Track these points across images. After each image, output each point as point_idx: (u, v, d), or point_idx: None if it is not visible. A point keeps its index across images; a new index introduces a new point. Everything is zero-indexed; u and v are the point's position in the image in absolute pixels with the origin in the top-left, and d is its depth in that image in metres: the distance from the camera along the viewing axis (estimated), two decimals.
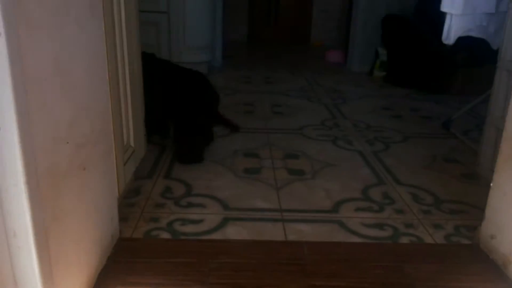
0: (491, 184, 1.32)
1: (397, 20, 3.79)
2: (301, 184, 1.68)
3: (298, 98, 3.01)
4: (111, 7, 1.24)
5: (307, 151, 2.03)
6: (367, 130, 2.37)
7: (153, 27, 3.41)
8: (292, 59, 4.74)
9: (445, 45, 3.75)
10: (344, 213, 1.48)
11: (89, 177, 1.01)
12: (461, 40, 3.56)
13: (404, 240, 1.34)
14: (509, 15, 1.70)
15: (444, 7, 1.83)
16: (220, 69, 3.94)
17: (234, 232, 1.33)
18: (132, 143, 1.43)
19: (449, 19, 1.86)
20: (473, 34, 1.91)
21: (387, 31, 3.84)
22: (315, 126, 2.40)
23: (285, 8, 6.06)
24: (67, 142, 0.91)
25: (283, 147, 2.06)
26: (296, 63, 4.49)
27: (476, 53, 3.41)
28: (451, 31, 1.87)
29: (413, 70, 3.52)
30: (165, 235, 1.29)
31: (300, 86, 3.41)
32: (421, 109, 2.88)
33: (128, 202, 1.47)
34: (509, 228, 1.22)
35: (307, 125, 2.42)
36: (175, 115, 1.90)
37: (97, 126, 1.06)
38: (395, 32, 3.75)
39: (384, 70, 3.83)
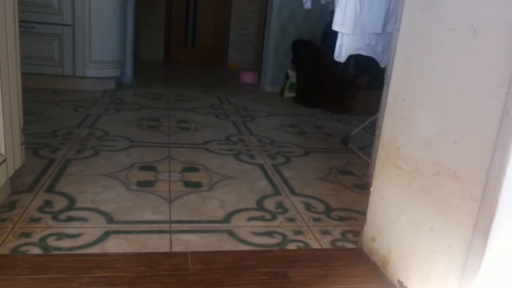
0: (371, 189, 1.38)
1: (305, 44, 3.97)
2: (196, 196, 1.64)
3: (206, 115, 2.99)
4: None
5: (208, 164, 2.00)
6: (270, 145, 2.41)
7: (56, 40, 3.24)
8: (207, 79, 4.75)
9: (348, 69, 4.00)
10: (235, 223, 1.46)
11: None
12: (355, 60, 3.80)
13: (292, 246, 1.35)
14: (394, 36, 1.83)
15: (335, 26, 1.93)
16: (130, 85, 3.82)
17: (115, 245, 1.25)
18: (3, 152, 1.30)
19: (340, 38, 1.97)
20: (363, 52, 2.03)
21: (296, 54, 4.00)
22: (219, 141, 2.39)
23: (202, 30, 6.10)
24: None
25: (183, 161, 2.01)
26: (211, 83, 4.50)
27: (377, 76, 3.67)
28: (343, 50, 1.98)
29: (319, 92, 3.68)
30: (36, 251, 1.18)
31: (211, 104, 3.41)
32: (325, 127, 3.00)
33: (0, 217, 1.33)
34: (387, 230, 1.27)
35: (212, 140, 2.40)
36: None
37: None
38: (303, 56, 3.92)
39: (294, 91, 3.97)
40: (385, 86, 1.91)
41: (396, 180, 1.23)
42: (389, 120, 1.28)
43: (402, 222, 1.21)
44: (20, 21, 1.42)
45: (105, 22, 3.34)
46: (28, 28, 3.13)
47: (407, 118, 1.20)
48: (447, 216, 1.02)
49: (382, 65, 2.04)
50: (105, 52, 3.39)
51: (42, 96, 3.03)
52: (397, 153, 1.23)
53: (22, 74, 1.48)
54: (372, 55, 2.03)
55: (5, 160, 1.32)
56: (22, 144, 1.47)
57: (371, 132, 2.86)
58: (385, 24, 1.98)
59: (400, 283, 1.18)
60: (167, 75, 4.90)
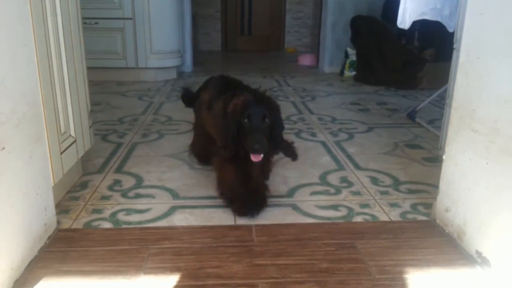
0: (444, 157, 1.29)
1: (364, 20, 3.82)
2: None
3: None
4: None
5: None
6: (332, 123, 2.34)
7: (119, 34, 3.37)
8: (265, 64, 4.74)
9: (413, 42, 3.78)
10: (299, 197, 1.43)
11: (9, 158, 0.95)
12: (419, 33, 3.56)
13: (359, 219, 1.30)
14: None
15: None
16: (191, 74, 3.90)
17: (181, 219, 1.27)
18: (72, 133, 1.37)
19: (403, 3, 1.85)
20: (428, 17, 1.90)
21: (355, 31, 3.86)
22: None
23: (258, 17, 6.09)
24: None
25: None
26: (268, 67, 4.48)
27: (443, 48, 3.44)
28: (406, 15, 1.86)
29: (381, 68, 3.53)
30: (107, 225, 1.23)
31: (270, 87, 3.38)
32: (389, 103, 2.87)
33: (73, 196, 1.40)
34: (463, 199, 1.18)
35: None
36: None
37: (20, 107, 1.00)
38: (362, 32, 3.77)
39: (354, 69, 3.84)
40: (454, 52, 1.78)
41: (472, 144, 1.14)
42: (462, 81, 1.18)
43: (480, 189, 1.11)
44: (84, 18, 1.48)
45: (163, 13, 3.41)
46: (92, 24, 3.28)
47: (482, 77, 1.10)
48: None
49: (450, 30, 1.90)
50: (165, 42, 3.47)
51: (108, 88, 3.17)
52: (473, 115, 1.13)
53: (89, 68, 1.55)
54: (439, 19, 1.89)
55: (75, 141, 1.38)
56: (90, 127, 1.53)
57: (440, 106, 2.69)
58: None
59: (479, 253, 1.09)
60: (225, 63, 4.95)
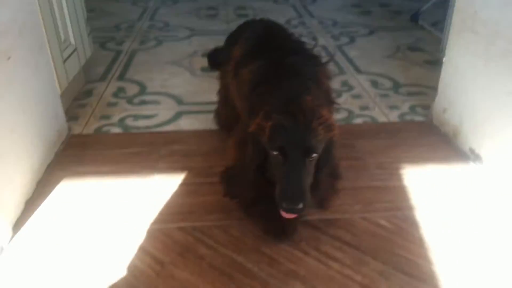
0: (443, 59, 1.30)
1: None
2: None
3: (264, 1, 2.87)
4: None
5: None
6: (333, 27, 2.30)
7: None
8: None
9: None
10: None
11: (16, 68, 0.96)
12: None
13: (358, 121, 1.34)
14: None
15: None
16: None
17: (187, 123, 1.32)
18: (72, 41, 1.35)
19: None
20: None
21: None
22: None
23: None
24: None
25: None
26: None
27: None
28: None
29: None
30: (116, 130, 1.27)
31: None
32: (392, 4, 2.78)
33: (80, 103, 1.43)
34: (460, 100, 1.21)
35: None
36: None
37: (19, 16, 0.98)
38: None
39: None
40: None
41: (472, 47, 1.14)
42: None
43: (477, 89, 1.14)
44: None
45: None
46: None
47: None
48: None
49: None
50: None
51: None
52: (475, 17, 1.12)
53: None
54: None
55: (75, 49, 1.37)
56: (89, 35, 1.51)
57: (444, 7, 2.61)
58: None
59: (472, 150, 1.15)
60: None
